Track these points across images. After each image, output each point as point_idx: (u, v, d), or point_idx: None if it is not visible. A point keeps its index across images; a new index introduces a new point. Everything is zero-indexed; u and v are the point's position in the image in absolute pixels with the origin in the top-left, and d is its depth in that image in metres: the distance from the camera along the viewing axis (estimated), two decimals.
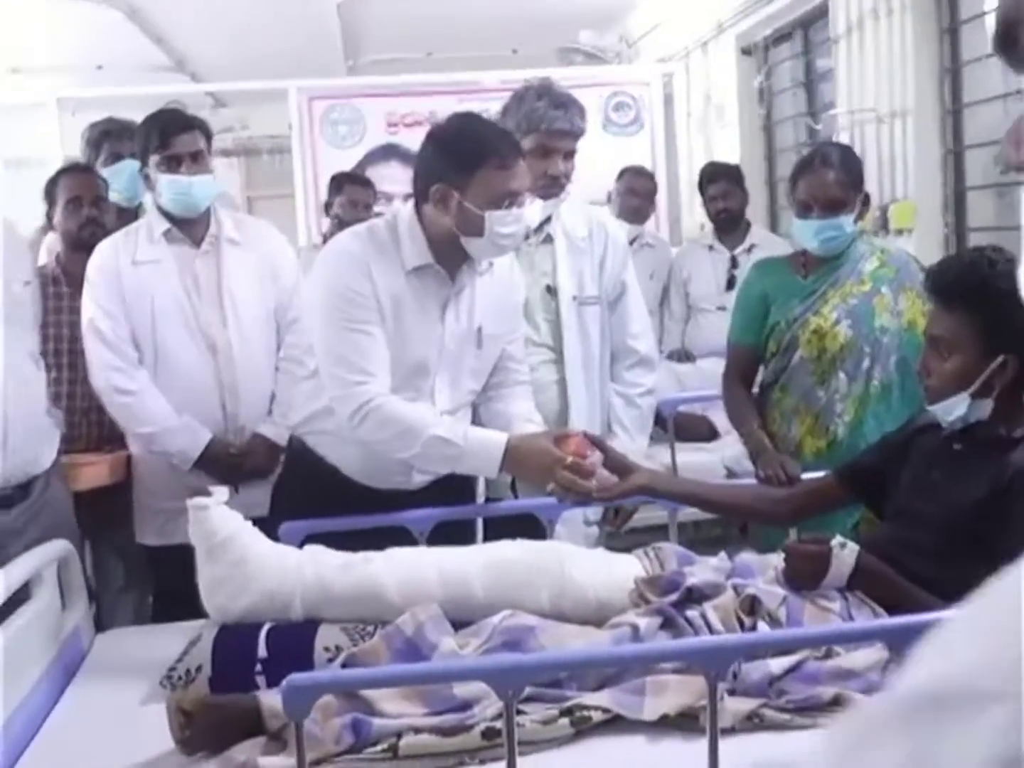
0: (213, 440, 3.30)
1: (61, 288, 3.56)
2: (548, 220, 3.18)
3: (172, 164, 3.28)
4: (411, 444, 2.65)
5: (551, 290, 3.18)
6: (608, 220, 3.41)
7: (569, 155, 3.12)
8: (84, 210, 3.61)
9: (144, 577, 3.62)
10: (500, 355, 2.93)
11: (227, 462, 3.32)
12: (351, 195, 5.14)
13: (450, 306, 2.78)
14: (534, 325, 3.16)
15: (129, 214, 4.00)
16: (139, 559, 3.57)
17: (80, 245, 3.60)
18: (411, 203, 2.78)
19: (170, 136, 3.29)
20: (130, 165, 3.90)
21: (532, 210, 2.80)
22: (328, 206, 5.27)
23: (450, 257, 2.75)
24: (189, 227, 3.36)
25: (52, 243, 3.87)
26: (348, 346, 2.67)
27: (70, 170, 3.80)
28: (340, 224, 4.90)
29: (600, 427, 3.21)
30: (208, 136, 3.39)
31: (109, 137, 4.05)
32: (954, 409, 2.38)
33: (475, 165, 2.62)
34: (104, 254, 3.36)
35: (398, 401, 2.68)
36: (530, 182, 2.74)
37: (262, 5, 6.86)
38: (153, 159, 3.30)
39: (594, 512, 3.15)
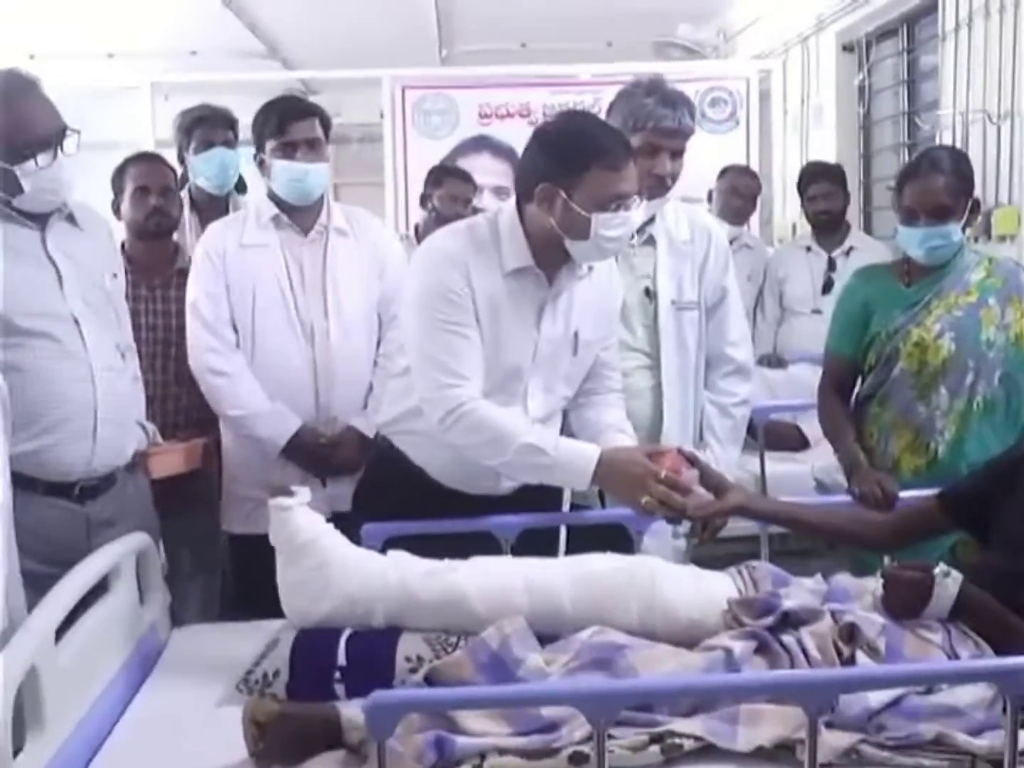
0: (303, 428, 3.27)
1: (126, 277, 3.54)
2: (651, 221, 3.09)
3: (288, 150, 3.25)
4: (502, 451, 2.60)
5: (650, 294, 3.11)
6: (712, 223, 3.31)
7: (677, 154, 3.04)
8: (151, 199, 3.59)
9: (214, 566, 3.62)
10: (594, 361, 2.86)
11: (316, 452, 3.28)
12: (451, 189, 5.08)
13: (547, 310, 2.72)
14: (631, 329, 3.09)
15: (219, 202, 3.98)
16: (211, 547, 3.57)
17: (145, 234, 3.61)
18: (513, 202, 2.72)
19: (288, 122, 3.26)
20: (221, 153, 3.89)
21: (638, 213, 2.73)
22: (426, 198, 5.21)
23: (550, 259, 2.68)
24: (299, 215, 3.33)
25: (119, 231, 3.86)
26: (442, 347, 2.62)
27: (138, 158, 3.77)
28: (437, 217, 4.86)
29: (693, 436, 3.15)
30: (327, 125, 3.35)
31: (201, 124, 4.04)
32: None
33: (584, 166, 2.55)
34: (212, 236, 3.37)
35: (490, 406, 2.63)
36: (638, 184, 2.66)
37: None
38: (269, 144, 3.28)
39: (683, 524, 3.07)
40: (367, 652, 2.28)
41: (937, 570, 2.22)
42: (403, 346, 2.80)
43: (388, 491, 2.86)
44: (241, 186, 4.20)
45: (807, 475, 3.96)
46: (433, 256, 2.71)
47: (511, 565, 2.49)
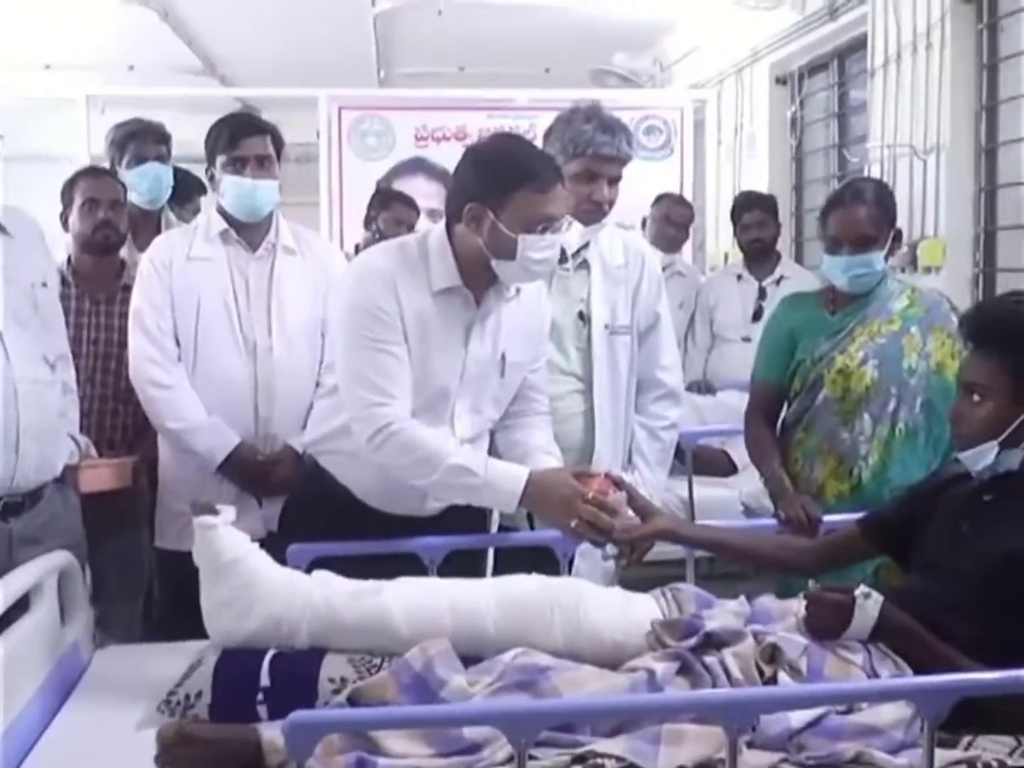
0: (241, 445, 3.25)
1: (70, 289, 3.53)
2: (586, 246, 3.13)
3: (238, 166, 3.24)
4: (430, 471, 2.60)
5: (584, 317, 3.13)
6: (646, 248, 3.35)
7: (614, 181, 3.07)
8: (100, 213, 3.57)
9: (138, 589, 3.59)
10: (522, 383, 2.87)
11: (253, 470, 3.26)
12: (397, 213, 5.05)
13: (475, 330, 2.73)
14: (564, 353, 3.12)
15: (151, 217, 3.95)
16: (136, 569, 3.53)
17: (92, 247, 3.60)
18: (443, 223, 2.73)
19: (239, 138, 3.26)
20: (154, 167, 3.86)
21: (569, 235, 2.75)
22: (370, 220, 5.18)
23: (478, 280, 2.69)
24: (247, 231, 3.32)
25: (67, 245, 3.83)
26: (371, 365, 2.62)
27: (88, 172, 3.77)
28: (381, 239, 4.83)
29: (622, 459, 3.17)
30: (279, 144, 3.34)
31: (134, 138, 4.02)
32: (983, 458, 2.34)
33: (512, 187, 2.57)
34: (159, 248, 3.35)
35: (419, 426, 2.63)
36: (568, 208, 2.68)
37: (297, 12, 6.85)
38: (220, 159, 3.27)
39: (610, 547, 3.09)
40: (291, 673, 2.26)
41: (858, 592, 2.25)
42: (330, 366, 2.80)
43: (314, 511, 2.85)
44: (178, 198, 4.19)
45: (735, 500, 4.01)
46: (363, 273, 2.72)
47: (436, 587, 2.48)
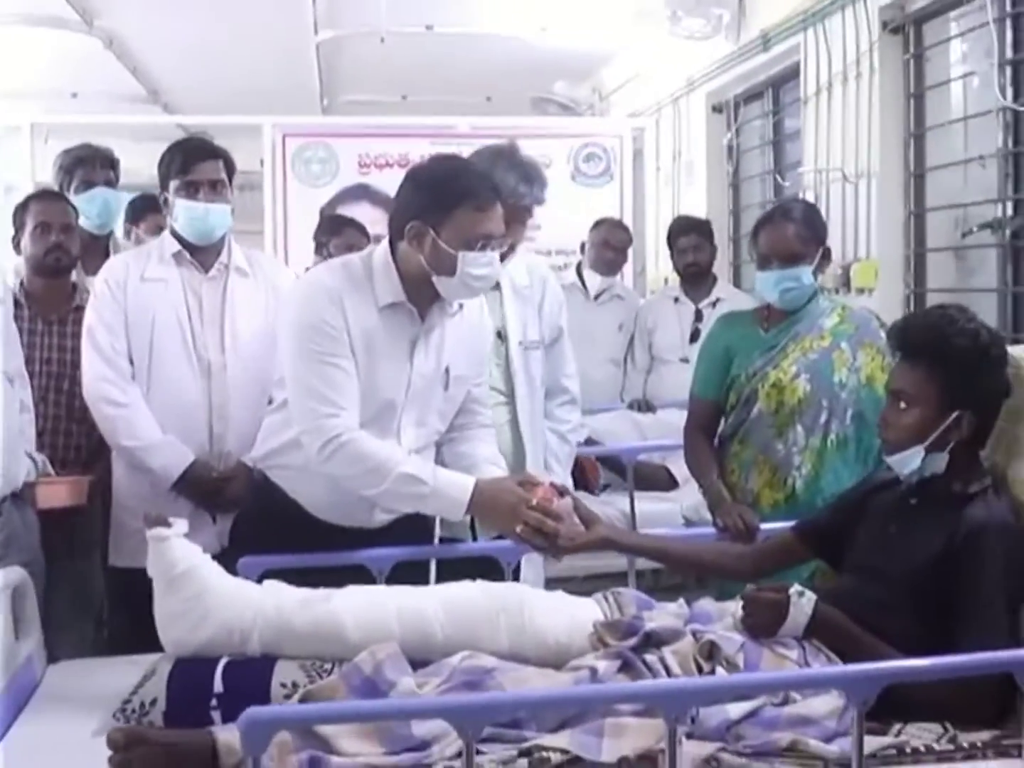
0: (196, 462, 3.28)
1: (23, 311, 3.55)
2: None
3: (191, 190, 3.30)
4: (379, 481, 2.66)
5: (501, 336, 3.29)
6: (546, 271, 3.56)
7: (525, 222, 3.26)
8: (52, 236, 3.60)
9: (91, 609, 3.59)
10: (465, 397, 2.95)
11: (208, 486, 3.29)
12: (349, 239, 5.05)
13: (419, 345, 2.80)
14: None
15: (100, 242, 3.99)
16: (90, 589, 3.54)
17: (44, 270, 3.63)
18: (386, 241, 2.81)
19: (192, 163, 3.31)
20: (103, 193, 3.90)
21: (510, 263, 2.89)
22: (321, 245, 5.20)
23: (421, 296, 2.77)
24: (200, 252, 3.38)
25: (19, 267, 3.85)
26: (319, 378, 2.68)
27: (40, 196, 3.80)
28: None
29: (543, 463, 3.36)
30: (231, 169, 3.41)
31: (82, 164, 4.05)
32: (910, 462, 2.44)
33: (452, 205, 2.65)
34: (114, 268, 3.39)
35: (368, 437, 2.69)
36: (502, 228, 2.77)
37: (240, 41, 6.89)
38: (173, 183, 3.32)
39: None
40: (243, 679, 2.30)
41: (792, 591, 2.35)
42: (279, 381, 2.85)
43: (264, 525, 2.88)
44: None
45: (676, 513, 4.09)
46: (309, 290, 2.79)
47: (384, 594, 2.55)
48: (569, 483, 3.36)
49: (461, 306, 2.87)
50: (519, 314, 3.32)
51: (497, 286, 3.25)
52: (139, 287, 3.33)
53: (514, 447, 3.29)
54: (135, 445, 3.28)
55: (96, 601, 3.61)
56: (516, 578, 2.94)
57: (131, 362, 3.31)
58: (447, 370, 2.85)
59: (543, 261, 3.71)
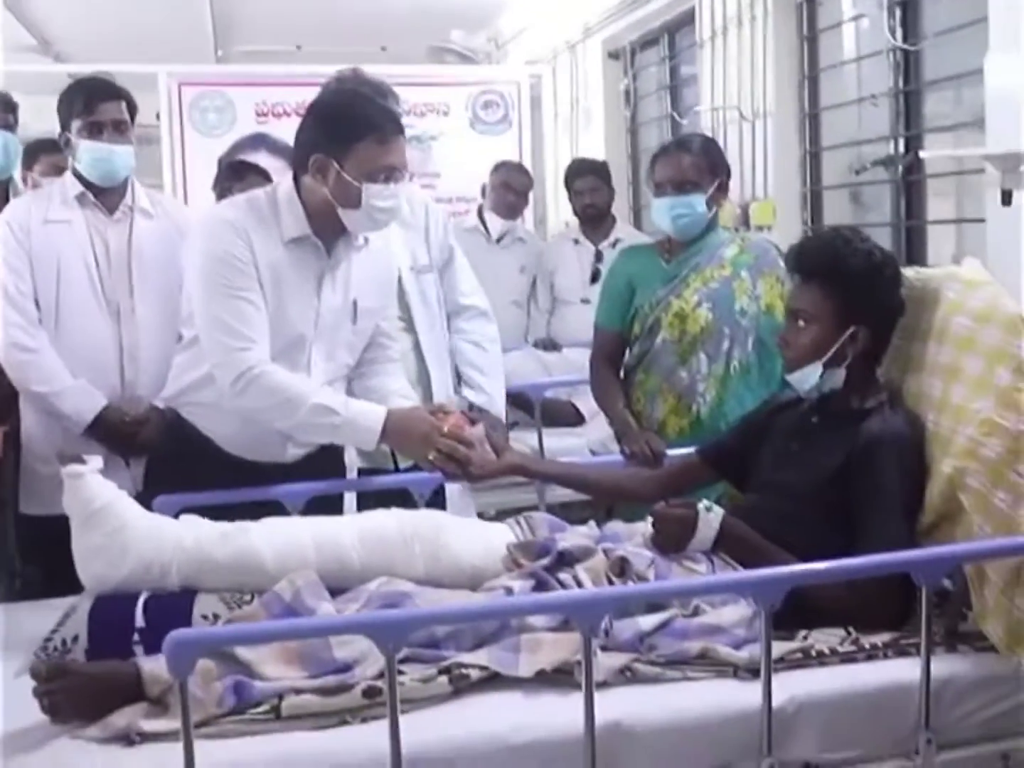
0: (108, 406, 3.26)
1: None
2: None
3: (94, 130, 3.25)
4: (292, 413, 2.68)
5: None
6: (422, 194, 3.64)
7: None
8: None
9: (5, 561, 3.55)
10: (374, 331, 2.98)
11: (121, 430, 3.27)
12: (252, 184, 5.00)
13: (326, 279, 2.82)
14: None
15: None
16: (3, 541, 3.50)
17: None
18: (290, 175, 2.81)
19: (96, 103, 3.26)
20: (2, 136, 3.81)
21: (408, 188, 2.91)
22: (226, 190, 5.12)
23: (327, 230, 2.78)
24: (104, 195, 3.33)
25: None
26: (229, 312, 2.68)
27: None
28: None
29: (452, 384, 3.43)
30: (133, 109, 3.36)
31: None
32: (809, 378, 2.54)
33: (354, 137, 2.67)
34: (15, 210, 3.33)
35: (280, 370, 2.70)
36: (405, 161, 2.78)
37: None
38: (75, 124, 3.27)
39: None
40: (165, 613, 2.30)
41: (700, 506, 2.44)
42: (187, 319, 2.85)
43: (178, 465, 2.88)
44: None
45: (583, 447, 4.16)
46: (214, 224, 2.78)
47: (300, 524, 2.57)
48: (501, 393, 3.45)
49: (367, 240, 2.89)
50: (405, 240, 3.34)
51: None
52: (42, 229, 3.28)
53: (419, 373, 3.34)
54: (46, 390, 3.24)
55: (10, 552, 3.57)
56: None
57: (38, 306, 3.26)
58: (355, 303, 2.87)
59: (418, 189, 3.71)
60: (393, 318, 3.09)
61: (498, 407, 3.44)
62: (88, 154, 3.27)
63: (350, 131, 2.67)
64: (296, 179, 2.78)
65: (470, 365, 3.46)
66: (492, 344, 3.55)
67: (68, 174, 3.39)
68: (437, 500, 3.06)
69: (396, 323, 3.24)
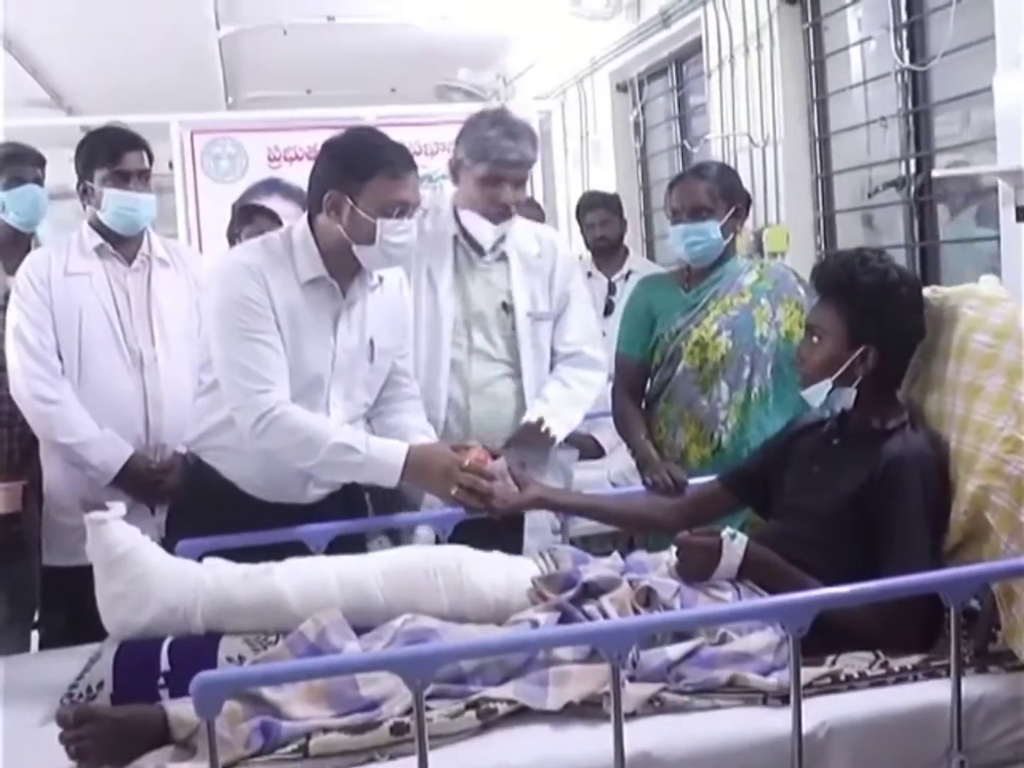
0: (134, 455, 3.27)
1: None
2: (502, 240, 3.27)
3: (119, 180, 3.27)
4: (314, 453, 2.68)
5: (507, 307, 3.27)
6: (556, 238, 3.50)
7: (519, 183, 3.20)
8: None
9: (29, 614, 3.55)
10: (391, 369, 2.98)
11: (146, 479, 3.27)
12: (261, 226, 5.03)
13: (342, 319, 2.83)
14: (491, 342, 3.26)
15: (23, 240, 3.92)
16: (27, 594, 3.49)
17: None
18: (304, 216, 2.83)
19: (122, 152, 3.28)
20: (32, 191, 3.83)
21: (482, 231, 3.10)
22: (235, 236, 5.15)
23: (342, 270, 2.80)
24: (122, 244, 3.35)
25: None
26: (247, 355, 2.69)
27: None
28: None
29: None
30: (151, 158, 3.38)
31: (13, 161, 3.95)
32: (819, 395, 2.54)
33: (368, 173, 2.69)
34: (35, 263, 3.34)
35: (299, 410, 2.71)
36: (418, 197, 2.80)
37: (142, 39, 6.83)
38: (99, 173, 3.28)
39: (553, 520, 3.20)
40: (190, 656, 2.30)
41: (724, 533, 2.42)
42: (206, 364, 2.86)
43: (200, 509, 2.88)
44: None
45: (604, 479, 4.13)
46: (230, 268, 2.79)
47: (323, 563, 2.57)
48: (562, 415, 3.27)
49: (381, 279, 2.90)
50: (527, 285, 3.30)
51: (504, 256, 3.28)
52: (63, 281, 3.30)
53: (517, 419, 3.26)
54: (72, 442, 3.24)
55: (35, 604, 3.57)
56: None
57: (60, 358, 3.27)
58: (371, 342, 2.88)
59: (551, 229, 3.58)
60: (409, 356, 3.09)
61: (555, 426, 3.23)
62: (114, 203, 3.28)
63: (364, 167, 2.70)
64: (310, 220, 2.80)
65: (541, 396, 3.28)
66: (581, 384, 3.33)
67: (85, 225, 3.40)
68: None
69: (499, 367, 3.25)
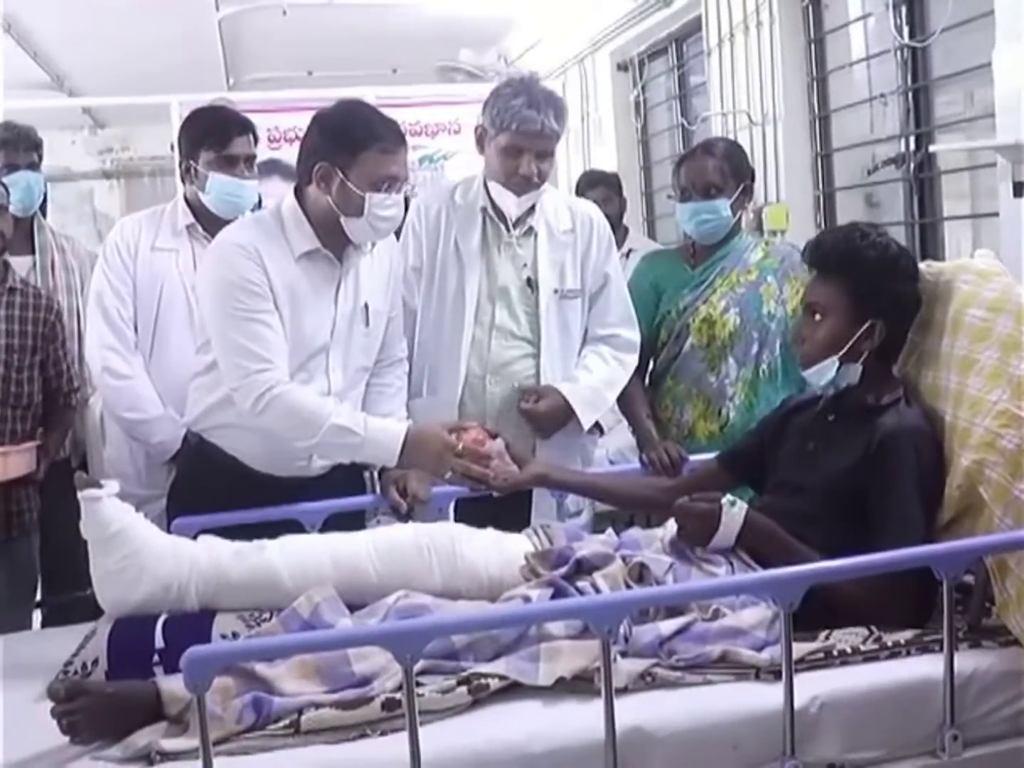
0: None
1: None
2: (531, 212, 3.20)
3: (226, 165, 3.26)
4: (312, 433, 2.69)
5: (532, 283, 3.21)
6: (593, 212, 3.37)
7: (543, 155, 3.10)
8: None
9: (31, 594, 3.57)
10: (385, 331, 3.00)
11: None
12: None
13: (341, 288, 2.84)
14: (514, 318, 3.20)
15: (24, 224, 3.92)
16: (30, 573, 3.52)
17: None
18: (292, 191, 2.84)
19: (231, 136, 3.27)
20: (25, 176, 3.81)
21: (507, 203, 3.06)
22: None
23: (335, 241, 2.81)
24: (214, 226, 3.27)
25: None
26: (245, 335, 2.70)
27: None
28: None
29: None
30: (257, 141, 3.38)
31: (6, 146, 3.94)
32: (825, 373, 2.52)
33: (359, 147, 2.69)
34: (126, 232, 3.35)
35: (299, 389, 2.72)
36: (407, 172, 2.80)
37: (142, 20, 6.80)
38: (206, 155, 3.26)
39: (574, 503, 3.18)
40: (184, 633, 2.28)
41: (724, 500, 2.42)
42: (205, 344, 2.86)
43: (202, 486, 2.90)
44: None
45: (603, 457, 4.12)
46: (224, 250, 2.79)
47: (317, 540, 2.59)
48: (594, 397, 3.22)
49: (374, 243, 2.91)
50: (555, 261, 3.21)
51: (531, 231, 3.21)
52: (149, 255, 3.31)
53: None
54: (136, 418, 3.27)
55: (35, 585, 3.59)
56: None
57: (136, 330, 3.30)
58: (366, 306, 2.89)
59: (590, 204, 3.44)
60: (399, 316, 3.08)
61: (580, 401, 3.19)
62: (220, 188, 3.26)
63: (356, 141, 2.70)
64: (299, 193, 2.81)
65: (583, 366, 3.24)
66: (617, 363, 3.26)
67: (180, 202, 3.39)
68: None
69: (522, 346, 3.19)
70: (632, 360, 3.31)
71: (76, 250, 3.97)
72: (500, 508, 2.86)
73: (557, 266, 3.22)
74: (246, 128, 3.34)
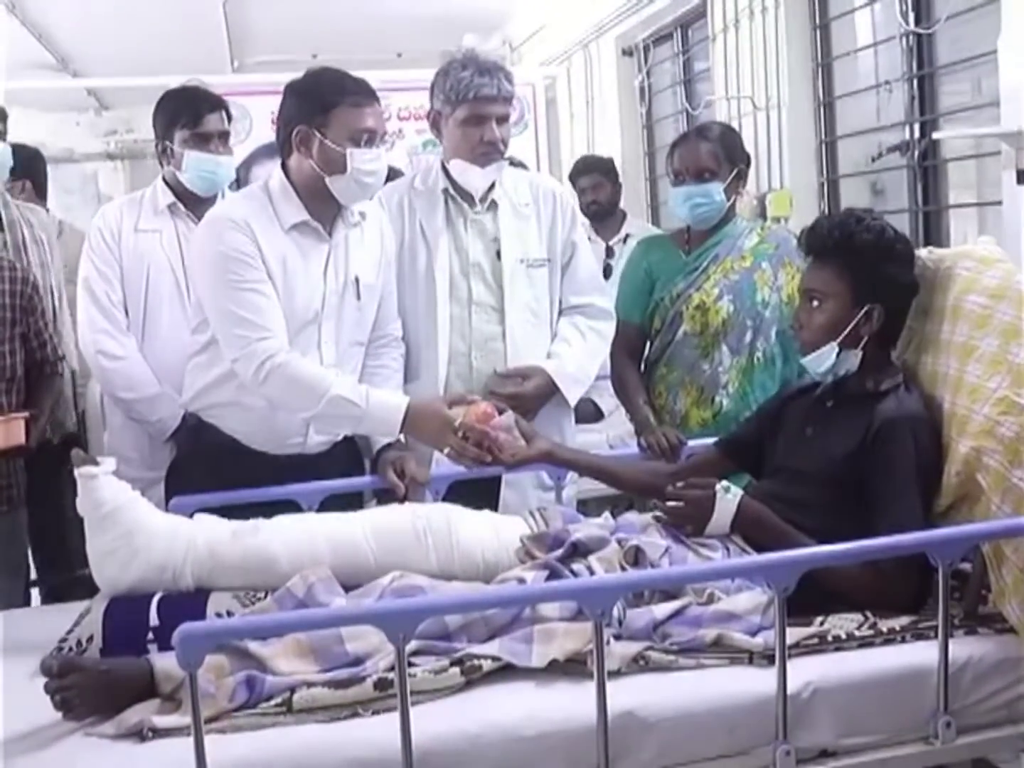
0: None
1: None
2: (492, 188, 3.19)
3: (200, 142, 3.28)
4: (314, 403, 2.70)
5: (500, 255, 3.19)
6: (555, 186, 3.40)
7: (502, 120, 3.12)
8: None
9: (22, 567, 3.56)
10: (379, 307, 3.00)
11: None
12: None
13: (330, 260, 2.86)
14: (490, 290, 3.18)
15: None
16: (20, 546, 3.52)
17: None
18: (278, 165, 2.86)
19: (203, 114, 3.30)
20: None
21: (472, 178, 3.05)
22: None
23: (323, 210, 2.83)
24: (195, 205, 3.34)
25: None
26: (243, 306, 2.71)
27: None
28: None
29: None
30: (230, 118, 3.40)
31: None
32: (824, 360, 2.50)
33: (331, 104, 2.73)
34: (108, 216, 3.37)
35: (300, 359, 2.73)
36: (384, 127, 2.83)
37: (147, 3, 6.80)
38: (180, 134, 3.29)
39: (551, 476, 3.15)
40: (178, 611, 2.27)
41: (718, 486, 2.41)
42: (199, 326, 2.87)
43: (201, 466, 2.91)
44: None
45: (603, 442, 4.12)
46: (216, 224, 2.80)
47: (313, 521, 2.58)
48: (578, 370, 3.22)
49: (363, 216, 2.92)
50: (518, 232, 3.20)
51: (494, 204, 3.20)
52: (133, 237, 3.33)
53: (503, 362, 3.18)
54: (132, 397, 3.30)
55: (25, 558, 3.59)
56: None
57: (126, 313, 3.32)
58: (356, 280, 2.90)
59: (550, 178, 3.45)
60: (392, 295, 3.08)
61: (566, 378, 3.20)
62: (195, 165, 3.30)
63: (327, 99, 2.73)
64: (284, 166, 2.84)
65: (561, 339, 3.24)
66: (596, 336, 3.26)
67: (160, 182, 3.41)
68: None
69: (489, 314, 3.17)
70: (608, 328, 3.31)
71: (42, 221, 3.95)
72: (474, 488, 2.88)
73: (520, 237, 3.22)
74: (218, 105, 3.37)
